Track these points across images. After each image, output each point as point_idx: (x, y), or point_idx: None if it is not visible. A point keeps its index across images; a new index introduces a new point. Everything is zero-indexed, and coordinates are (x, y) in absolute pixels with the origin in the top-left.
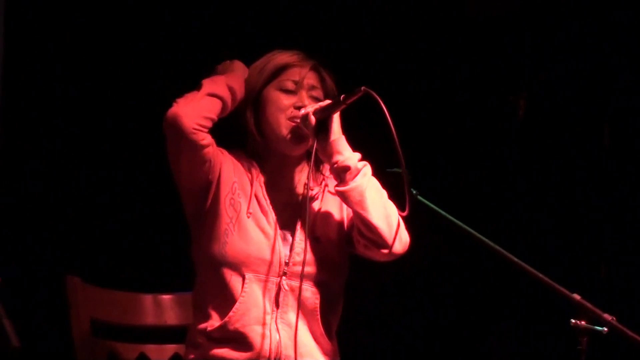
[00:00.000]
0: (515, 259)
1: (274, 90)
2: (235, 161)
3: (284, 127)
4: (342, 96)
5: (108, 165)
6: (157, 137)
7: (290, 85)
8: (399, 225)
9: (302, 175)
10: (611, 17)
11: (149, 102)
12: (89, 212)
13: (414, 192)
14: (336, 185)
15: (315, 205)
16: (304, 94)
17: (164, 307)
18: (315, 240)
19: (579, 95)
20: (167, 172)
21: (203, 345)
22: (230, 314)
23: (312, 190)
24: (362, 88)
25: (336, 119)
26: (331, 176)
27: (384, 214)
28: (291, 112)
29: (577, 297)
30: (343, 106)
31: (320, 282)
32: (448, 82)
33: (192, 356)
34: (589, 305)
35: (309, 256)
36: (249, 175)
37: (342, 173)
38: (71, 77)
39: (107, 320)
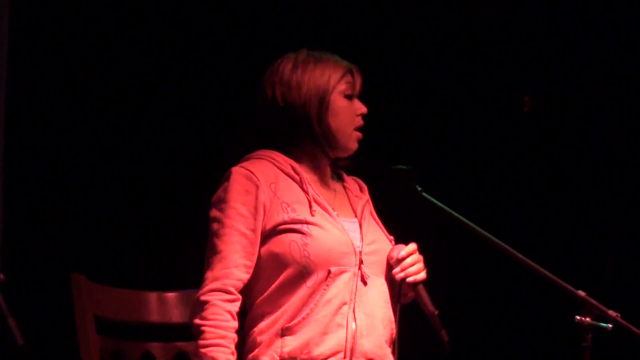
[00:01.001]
0: (520, 256)
1: (340, 97)
2: (269, 177)
3: (351, 135)
4: (433, 312)
5: (113, 163)
6: (161, 137)
7: (349, 91)
8: None
9: (332, 177)
10: (617, 15)
11: (156, 100)
12: (94, 209)
13: (419, 189)
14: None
15: (366, 211)
16: (357, 99)
17: (169, 305)
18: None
19: (584, 92)
20: (172, 170)
21: (276, 344)
22: (312, 305)
23: (359, 198)
24: (446, 339)
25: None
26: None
27: None
28: (358, 121)
29: (582, 293)
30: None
31: (384, 272)
32: (454, 79)
33: (263, 356)
34: (593, 301)
35: (376, 246)
36: (295, 178)
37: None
38: (76, 74)
39: (112, 318)
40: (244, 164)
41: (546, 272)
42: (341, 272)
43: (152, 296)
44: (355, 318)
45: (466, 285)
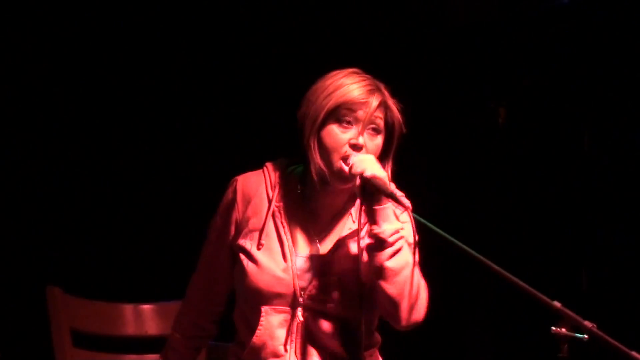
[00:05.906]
0: (495, 266)
1: (334, 121)
2: (249, 194)
3: (336, 163)
4: (392, 192)
5: (88, 175)
6: (138, 148)
7: (350, 118)
8: (413, 302)
9: (348, 207)
10: (591, 25)
11: (128, 124)
12: (70, 222)
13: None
14: (367, 246)
15: (352, 246)
16: (361, 129)
17: (145, 317)
18: (338, 279)
19: (558, 102)
20: (148, 182)
21: None
22: (250, 345)
23: (353, 230)
24: (409, 207)
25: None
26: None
27: (400, 287)
28: (345, 151)
29: (557, 304)
30: (389, 200)
31: (339, 317)
32: (428, 89)
33: None
34: (569, 312)
35: (328, 291)
36: (268, 202)
37: (376, 242)
38: (43, 92)
39: (88, 331)
40: (246, 173)
41: (521, 283)
42: (275, 312)
43: (128, 308)
44: None
45: (439, 294)
